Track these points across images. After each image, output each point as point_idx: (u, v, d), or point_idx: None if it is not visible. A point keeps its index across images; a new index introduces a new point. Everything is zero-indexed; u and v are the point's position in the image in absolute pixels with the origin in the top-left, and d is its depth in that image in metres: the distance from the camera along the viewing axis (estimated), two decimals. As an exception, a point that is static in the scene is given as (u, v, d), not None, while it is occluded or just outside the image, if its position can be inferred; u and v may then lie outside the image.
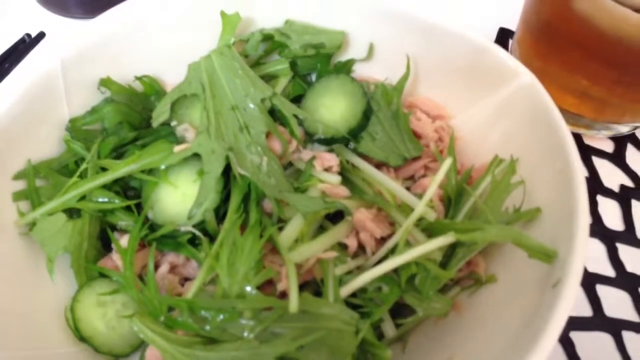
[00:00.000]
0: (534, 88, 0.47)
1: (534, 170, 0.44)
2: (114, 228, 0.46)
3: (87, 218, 0.44)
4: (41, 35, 0.62)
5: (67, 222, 0.43)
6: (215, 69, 0.47)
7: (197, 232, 0.43)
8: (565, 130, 0.43)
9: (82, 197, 0.44)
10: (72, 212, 0.44)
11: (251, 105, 0.46)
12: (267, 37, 0.50)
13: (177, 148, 0.45)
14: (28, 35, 0.62)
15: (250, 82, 0.47)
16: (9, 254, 0.43)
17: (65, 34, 0.48)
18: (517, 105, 0.48)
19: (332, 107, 0.49)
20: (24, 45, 0.60)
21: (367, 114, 0.48)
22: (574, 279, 0.37)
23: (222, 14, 0.49)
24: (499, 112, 0.50)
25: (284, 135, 0.47)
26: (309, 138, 0.49)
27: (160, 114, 0.48)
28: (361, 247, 0.44)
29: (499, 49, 0.49)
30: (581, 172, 0.41)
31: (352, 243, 0.43)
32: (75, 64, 0.47)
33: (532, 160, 0.46)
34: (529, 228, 0.43)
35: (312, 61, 0.52)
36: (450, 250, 0.43)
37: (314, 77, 0.54)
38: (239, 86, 0.47)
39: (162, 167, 0.45)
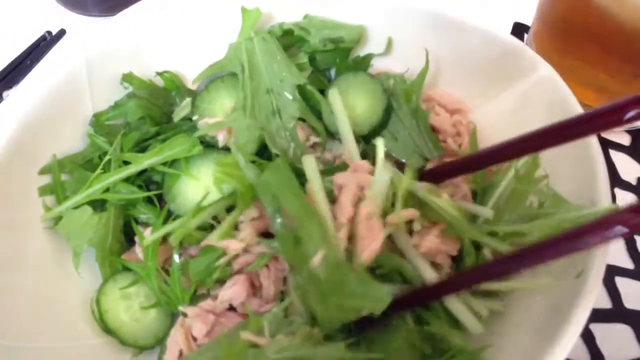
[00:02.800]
0: (552, 80, 0.47)
1: (554, 162, 0.44)
2: (136, 222, 0.46)
3: (112, 211, 0.44)
4: (62, 33, 0.63)
5: (92, 215, 0.44)
6: (256, 51, 0.48)
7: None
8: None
9: (106, 190, 0.45)
10: (96, 206, 0.45)
11: (286, 92, 0.47)
12: (287, 32, 0.51)
13: (210, 120, 0.45)
14: (49, 32, 0.63)
15: (287, 69, 0.48)
16: (36, 248, 0.44)
17: (89, 32, 0.48)
18: (536, 98, 0.48)
19: (354, 106, 0.49)
20: (45, 43, 0.61)
21: (387, 112, 0.49)
22: (597, 270, 0.37)
23: (243, 9, 0.49)
24: (517, 106, 0.50)
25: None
26: (330, 135, 0.49)
27: (182, 108, 0.49)
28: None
29: (517, 42, 0.49)
30: (602, 163, 0.41)
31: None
32: (99, 61, 0.48)
33: (551, 153, 0.46)
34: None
35: (331, 56, 0.53)
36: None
37: (332, 72, 0.55)
38: (276, 71, 0.48)
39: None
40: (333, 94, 0.47)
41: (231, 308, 0.44)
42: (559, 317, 0.37)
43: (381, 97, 0.48)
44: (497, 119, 0.51)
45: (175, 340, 0.42)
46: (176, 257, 0.44)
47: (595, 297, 0.37)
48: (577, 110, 0.44)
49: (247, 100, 0.46)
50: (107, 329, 0.43)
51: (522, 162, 0.46)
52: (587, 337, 0.50)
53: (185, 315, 0.43)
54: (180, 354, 0.41)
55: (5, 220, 0.42)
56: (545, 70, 0.48)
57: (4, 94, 0.56)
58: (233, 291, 0.43)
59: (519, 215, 0.44)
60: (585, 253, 0.38)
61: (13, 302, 0.40)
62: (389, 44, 0.53)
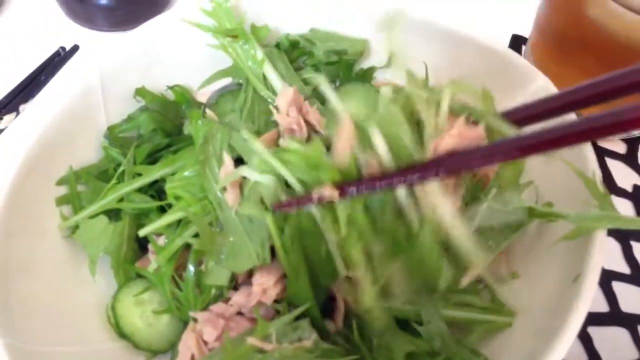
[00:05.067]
0: (548, 91, 0.49)
1: (550, 169, 0.46)
2: (150, 231, 0.48)
3: (126, 220, 0.46)
4: (75, 49, 0.65)
5: (107, 224, 0.46)
6: (262, 64, 0.50)
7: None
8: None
9: (120, 200, 0.47)
10: (111, 216, 0.47)
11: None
12: (293, 43, 0.53)
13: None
14: (62, 48, 0.65)
15: (291, 82, 0.50)
16: (53, 256, 0.46)
17: (102, 48, 0.50)
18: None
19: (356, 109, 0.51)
20: (59, 58, 0.63)
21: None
22: (593, 273, 0.39)
23: (252, 26, 0.51)
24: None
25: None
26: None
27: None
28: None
29: (514, 55, 0.51)
30: (597, 169, 0.43)
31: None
32: (113, 76, 0.49)
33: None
34: (547, 226, 0.45)
35: (335, 69, 0.54)
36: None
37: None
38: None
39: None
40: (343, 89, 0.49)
41: (240, 312, 0.46)
42: (557, 320, 0.38)
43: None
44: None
45: (187, 345, 0.43)
46: (191, 268, 0.45)
47: (591, 299, 0.38)
48: (573, 119, 0.46)
49: (246, 103, 0.48)
50: (122, 334, 0.45)
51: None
52: (585, 340, 0.52)
53: (195, 320, 0.44)
54: (192, 357, 0.43)
55: (24, 229, 0.44)
56: (541, 81, 0.50)
57: (21, 107, 0.58)
58: (244, 298, 0.44)
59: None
60: (582, 258, 0.40)
61: (31, 307, 0.42)
62: (391, 57, 0.55)
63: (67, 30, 0.69)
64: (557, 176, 0.45)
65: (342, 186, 0.37)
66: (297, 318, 0.43)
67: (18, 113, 0.57)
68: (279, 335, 0.41)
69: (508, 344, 0.43)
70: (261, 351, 0.40)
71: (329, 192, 0.37)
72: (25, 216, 0.44)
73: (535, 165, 0.49)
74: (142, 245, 0.49)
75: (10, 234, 0.43)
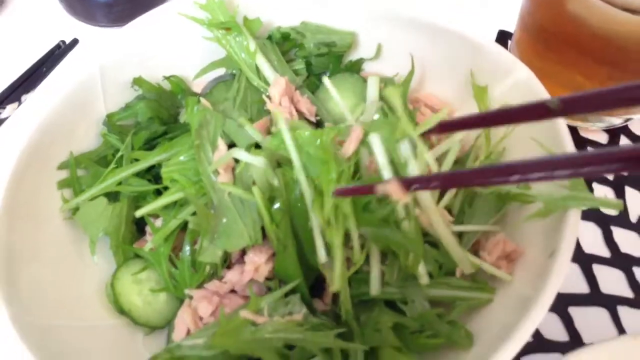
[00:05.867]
0: (530, 82, 0.51)
1: (528, 153, 0.48)
2: (146, 214, 0.50)
3: (125, 202, 0.48)
4: (75, 42, 0.67)
5: (107, 206, 0.48)
6: (255, 55, 0.52)
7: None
8: (561, 122, 0.47)
9: (119, 184, 0.49)
10: (110, 199, 0.49)
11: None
12: (284, 35, 0.55)
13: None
14: (63, 42, 0.67)
15: (283, 73, 0.52)
16: (55, 237, 0.48)
17: (101, 40, 0.52)
18: (514, 98, 0.52)
19: (343, 102, 0.53)
20: (60, 51, 0.65)
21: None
22: (567, 249, 0.41)
23: (245, 19, 0.53)
24: (497, 105, 0.54)
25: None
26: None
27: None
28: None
29: (497, 47, 0.53)
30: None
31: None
32: (112, 67, 0.52)
33: (529, 150, 0.50)
34: (526, 207, 0.47)
35: (325, 61, 0.57)
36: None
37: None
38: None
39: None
40: (326, 81, 0.52)
41: (233, 290, 0.48)
42: (533, 293, 0.41)
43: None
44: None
45: (183, 320, 0.45)
46: (187, 248, 0.47)
47: (565, 272, 0.40)
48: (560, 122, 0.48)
49: (239, 92, 0.50)
50: (122, 311, 0.47)
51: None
52: (567, 319, 0.54)
53: (191, 297, 0.47)
54: (188, 332, 0.45)
55: (27, 212, 0.46)
56: (523, 72, 0.52)
57: (23, 97, 0.61)
58: (238, 276, 0.46)
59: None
60: (557, 236, 0.43)
61: (35, 285, 0.44)
62: (379, 49, 0.58)
63: (67, 25, 0.71)
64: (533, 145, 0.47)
65: (405, 182, 0.35)
66: (287, 295, 0.45)
67: (20, 103, 0.60)
68: (270, 309, 0.43)
69: (489, 317, 0.45)
70: (254, 324, 0.42)
71: (395, 188, 0.35)
72: (28, 200, 0.46)
73: (513, 150, 0.51)
74: (139, 228, 0.51)
75: (14, 217, 0.45)
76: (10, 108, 0.59)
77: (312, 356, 0.43)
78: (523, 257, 0.46)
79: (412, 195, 0.45)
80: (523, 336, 0.38)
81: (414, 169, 0.44)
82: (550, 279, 0.40)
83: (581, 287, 0.56)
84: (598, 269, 0.57)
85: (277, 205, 0.45)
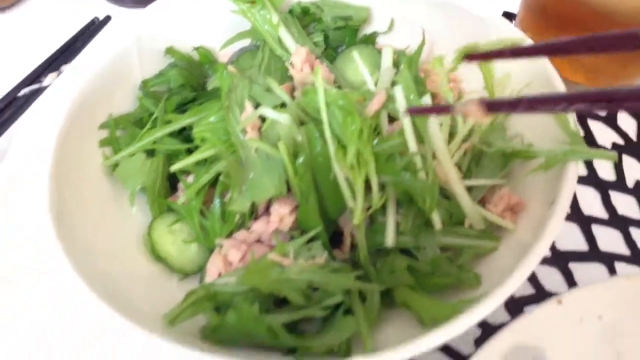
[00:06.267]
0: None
1: (533, 120, 0.52)
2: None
3: (161, 158, 0.52)
4: (107, 19, 0.72)
5: (145, 161, 0.52)
6: (277, 27, 0.57)
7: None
8: (562, 86, 0.51)
9: (154, 143, 0.53)
10: (146, 157, 0.53)
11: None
12: (304, 10, 0.59)
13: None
14: (96, 18, 0.72)
15: (303, 44, 0.57)
16: (98, 192, 0.52)
17: (137, 16, 0.57)
18: (518, 69, 0.56)
19: (359, 71, 0.57)
20: (94, 27, 0.70)
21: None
22: (566, 197, 0.45)
23: (269, -6, 0.58)
24: (501, 75, 0.58)
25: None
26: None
27: (214, 79, 0.58)
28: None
29: (502, 20, 0.57)
30: (573, 118, 0.49)
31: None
32: (146, 38, 0.57)
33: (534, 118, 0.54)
34: (529, 163, 0.52)
35: (342, 34, 0.61)
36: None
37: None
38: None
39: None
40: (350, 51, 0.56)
41: (259, 241, 0.52)
42: (534, 238, 0.45)
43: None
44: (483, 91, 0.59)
45: (214, 264, 0.50)
46: (217, 201, 0.52)
47: (563, 219, 0.44)
48: (557, 81, 0.52)
49: (264, 61, 0.55)
50: (158, 258, 0.51)
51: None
52: (567, 274, 0.58)
53: (221, 246, 0.51)
54: (219, 274, 0.49)
55: (73, 169, 0.50)
56: (526, 44, 0.56)
57: (62, 67, 0.65)
58: (264, 226, 0.51)
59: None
60: (557, 187, 0.46)
61: (87, 239, 0.48)
62: (391, 24, 0.62)
63: (97, 6, 0.76)
64: (536, 120, 0.51)
65: (488, 104, 0.34)
66: (309, 242, 0.49)
67: (60, 72, 0.64)
68: (295, 253, 0.48)
69: (493, 263, 0.49)
70: (280, 266, 0.46)
71: (475, 109, 0.34)
72: (73, 158, 0.51)
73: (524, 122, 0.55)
74: (172, 185, 0.55)
75: (62, 174, 0.49)
76: (50, 77, 0.63)
77: (333, 297, 0.47)
78: (526, 210, 0.50)
79: (430, 149, 0.49)
80: (524, 272, 0.41)
81: (434, 122, 0.48)
82: (550, 223, 0.44)
83: (581, 245, 0.60)
84: (597, 229, 0.61)
85: (300, 160, 0.49)
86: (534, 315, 0.44)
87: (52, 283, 0.54)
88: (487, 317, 0.39)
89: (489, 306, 0.40)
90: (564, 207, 0.45)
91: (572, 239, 0.60)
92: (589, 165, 0.65)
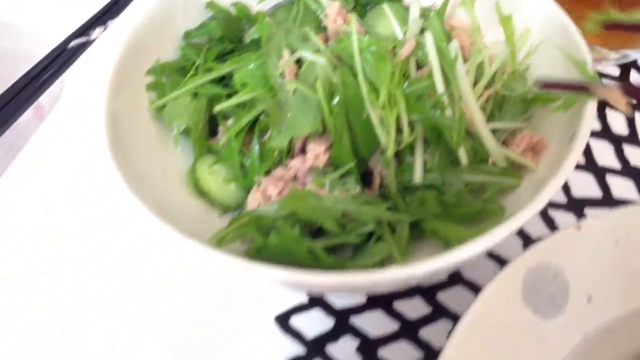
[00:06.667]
0: (552, 10, 0.58)
1: (548, 61, 0.56)
2: (218, 117, 0.58)
3: (204, 101, 0.56)
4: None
5: (190, 102, 0.56)
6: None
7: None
8: (580, 39, 0.54)
9: (197, 88, 0.57)
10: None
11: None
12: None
13: None
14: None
15: None
16: (145, 132, 0.56)
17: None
18: (540, 27, 0.59)
19: (388, 25, 0.61)
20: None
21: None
22: (585, 131, 0.48)
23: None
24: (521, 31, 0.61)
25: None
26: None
27: (251, 33, 0.62)
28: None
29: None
30: (589, 56, 0.52)
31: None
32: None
33: (553, 66, 0.57)
34: (547, 108, 0.55)
35: (370, -8, 0.65)
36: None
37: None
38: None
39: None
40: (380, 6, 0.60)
41: (295, 178, 0.56)
42: (553, 173, 0.48)
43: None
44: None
45: (254, 198, 0.53)
46: (256, 142, 0.55)
47: (581, 151, 0.48)
48: (578, 39, 0.55)
49: (298, 14, 0.58)
50: (201, 192, 0.55)
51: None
52: (581, 217, 0.62)
53: (259, 183, 0.54)
54: (259, 205, 0.53)
55: (124, 110, 0.54)
56: (549, 6, 0.59)
57: (108, 22, 0.69)
58: (300, 163, 0.54)
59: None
60: (577, 122, 0.50)
61: (138, 175, 0.51)
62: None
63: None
64: (554, 63, 0.55)
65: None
66: (342, 177, 0.53)
67: (106, 27, 0.68)
68: (330, 186, 0.51)
69: (515, 199, 0.52)
70: (317, 196, 0.50)
71: (617, 94, 0.39)
72: (123, 99, 0.55)
73: (537, 67, 0.59)
74: (212, 132, 0.59)
75: (116, 113, 0.53)
76: (98, 31, 0.68)
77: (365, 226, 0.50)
78: (546, 150, 0.54)
79: (457, 92, 0.53)
80: (559, 180, 0.45)
81: (461, 67, 0.52)
82: (570, 156, 0.48)
83: (595, 193, 0.64)
84: (610, 178, 0.64)
85: (336, 100, 0.52)
86: (555, 238, 0.47)
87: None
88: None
89: (517, 222, 0.43)
90: (583, 140, 0.48)
91: (587, 187, 0.64)
92: (604, 120, 0.69)
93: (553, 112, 0.52)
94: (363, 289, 0.51)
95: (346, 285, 0.43)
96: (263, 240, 0.47)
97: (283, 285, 0.55)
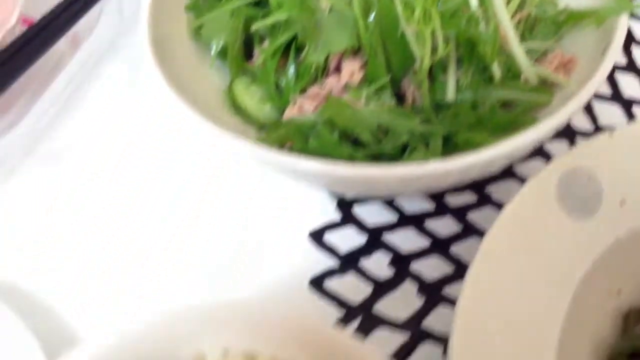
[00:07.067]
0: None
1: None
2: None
3: (241, 20, 0.57)
4: None
5: (228, 20, 0.57)
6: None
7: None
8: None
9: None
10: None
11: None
12: None
13: None
14: None
15: None
16: (182, 50, 0.57)
17: None
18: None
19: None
20: None
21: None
22: (618, 42, 0.50)
23: None
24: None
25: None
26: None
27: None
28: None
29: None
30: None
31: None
32: None
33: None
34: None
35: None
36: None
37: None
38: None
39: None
40: None
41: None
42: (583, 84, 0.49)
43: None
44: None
45: (291, 113, 0.55)
46: (292, 61, 0.56)
47: (613, 62, 0.49)
48: None
49: None
50: (238, 109, 0.56)
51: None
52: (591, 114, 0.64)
53: (295, 101, 0.56)
54: (295, 117, 0.54)
55: (165, 31, 0.56)
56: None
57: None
58: (335, 81, 0.56)
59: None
60: (609, 36, 0.51)
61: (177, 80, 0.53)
62: None
63: None
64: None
65: None
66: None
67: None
68: (366, 99, 0.53)
69: (546, 116, 0.53)
70: (354, 107, 0.51)
71: None
72: (163, 22, 0.56)
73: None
74: (248, 56, 0.61)
75: (156, 37, 0.54)
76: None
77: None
78: (578, 68, 0.55)
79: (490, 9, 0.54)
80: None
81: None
82: (602, 66, 0.49)
83: (622, 123, 0.65)
84: (636, 108, 0.65)
85: (371, 17, 0.53)
86: (588, 144, 0.48)
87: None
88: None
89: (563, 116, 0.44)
90: (616, 48, 0.49)
91: (613, 117, 0.65)
92: (629, 55, 0.70)
93: (585, 27, 0.53)
94: (428, 182, 0.51)
95: (412, 175, 0.44)
96: (303, 145, 0.49)
97: (322, 186, 0.57)
